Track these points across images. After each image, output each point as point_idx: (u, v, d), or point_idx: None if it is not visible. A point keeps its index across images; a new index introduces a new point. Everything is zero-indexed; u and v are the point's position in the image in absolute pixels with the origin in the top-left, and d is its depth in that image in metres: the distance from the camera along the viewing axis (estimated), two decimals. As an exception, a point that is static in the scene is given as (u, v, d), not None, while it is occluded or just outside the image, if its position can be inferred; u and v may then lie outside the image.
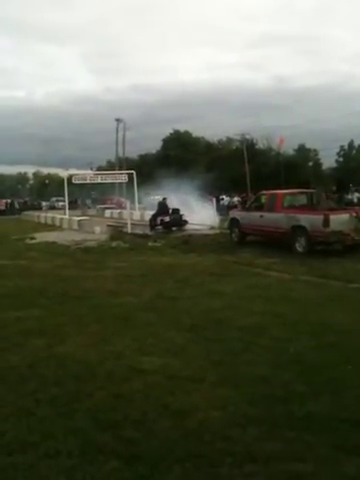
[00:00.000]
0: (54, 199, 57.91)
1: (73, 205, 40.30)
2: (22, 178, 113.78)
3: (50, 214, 31.92)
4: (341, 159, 63.39)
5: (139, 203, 31.31)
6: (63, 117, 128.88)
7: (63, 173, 34.43)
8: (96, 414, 3.62)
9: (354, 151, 63.50)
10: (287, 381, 4.11)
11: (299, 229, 12.60)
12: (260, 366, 4.48)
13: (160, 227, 20.69)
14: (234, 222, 15.84)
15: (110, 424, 3.46)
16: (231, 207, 28.19)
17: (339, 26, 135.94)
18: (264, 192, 16.24)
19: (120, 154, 54.73)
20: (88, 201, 50.51)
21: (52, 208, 50.24)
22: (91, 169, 57.36)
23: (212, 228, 19.81)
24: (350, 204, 27.08)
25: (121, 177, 31.37)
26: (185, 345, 5.16)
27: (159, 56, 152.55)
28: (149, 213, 23.39)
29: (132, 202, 28.28)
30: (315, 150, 65.41)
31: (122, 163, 51.59)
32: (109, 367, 4.57)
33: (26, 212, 40.48)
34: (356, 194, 34.55)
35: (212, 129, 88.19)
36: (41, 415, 3.62)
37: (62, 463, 2.99)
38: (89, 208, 45.23)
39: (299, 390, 3.94)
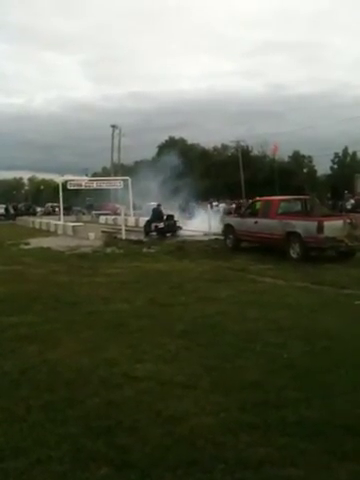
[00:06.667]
0: (49, 205, 57.91)
1: (67, 211, 40.27)
2: (17, 183, 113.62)
3: (45, 220, 31.89)
4: (336, 166, 63.76)
5: (134, 209, 31.34)
6: (61, 124, 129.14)
7: (58, 179, 34.38)
8: (88, 421, 3.60)
9: (348, 158, 63.90)
10: (280, 387, 4.11)
11: (293, 235, 12.64)
12: (253, 372, 4.48)
13: (154, 233, 20.71)
14: (229, 228, 15.87)
15: (102, 431, 3.44)
16: (228, 213, 28.23)
17: (334, 35, 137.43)
18: (258, 198, 16.30)
19: (116, 160, 54.80)
20: (76, 208, 50.19)
21: (47, 214, 50.24)
22: (86, 175, 57.39)
23: (206, 234, 19.82)
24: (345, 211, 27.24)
25: (116, 183, 31.38)
26: (178, 351, 5.15)
27: (158, 64, 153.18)
28: (144, 219, 23.43)
29: (127, 208, 28.30)
30: (310, 157, 65.83)
31: (118, 169, 51.64)
32: (102, 373, 4.55)
33: (21, 217, 40.44)
34: (351, 201, 34.68)
35: (208, 136, 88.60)
36: (33, 421, 3.60)
37: (54, 469, 2.98)
38: (83, 214, 45.20)
39: (292, 396, 3.94)
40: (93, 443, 3.27)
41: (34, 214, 49.27)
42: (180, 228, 21.15)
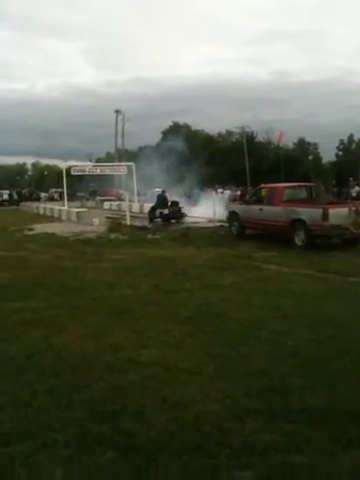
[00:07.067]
0: (53, 190, 57.91)
1: (71, 197, 40.20)
2: (21, 169, 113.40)
3: (49, 205, 31.90)
4: (341, 153, 63.36)
5: (138, 195, 31.24)
6: (64, 110, 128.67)
7: (62, 164, 34.28)
8: (94, 405, 3.62)
9: (354, 145, 63.45)
10: (285, 374, 4.12)
11: (298, 223, 12.59)
12: (258, 359, 4.48)
13: (159, 219, 20.69)
14: (233, 215, 15.83)
15: (108, 415, 3.46)
16: (233, 200, 28.12)
17: (339, 22, 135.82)
18: (263, 185, 16.23)
19: (120, 146, 54.58)
20: (80, 194, 50.04)
21: (51, 199, 50.30)
22: (90, 161, 57.23)
23: (211, 221, 19.79)
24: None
25: (120, 169, 31.24)
26: (183, 338, 5.16)
27: (161, 51, 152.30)
28: (148, 205, 23.39)
29: (131, 194, 28.23)
30: (315, 144, 65.39)
31: (122, 155, 51.43)
32: (107, 359, 4.57)
33: (24, 203, 40.49)
34: (356, 188, 34.50)
35: (211, 122, 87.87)
36: (38, 406, 3.62)
37: (60, 453, 3.00)
38: (87, 200, 45.15)
39: (297, 383, 3.94)
40: (98, 427, 3.29)
41: (38, 200, 49.32)
42: (185, 215, 21.12)
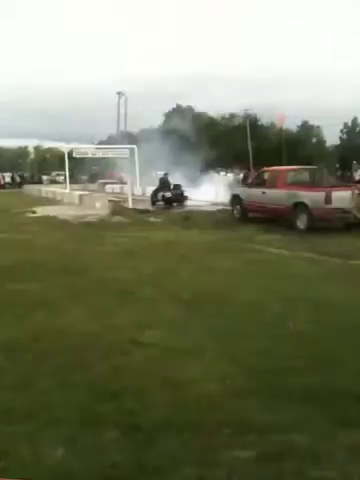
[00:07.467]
0: (55, 173, 57.75)
1: (74, 180, 40.04)
2: (23, 152, 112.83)
3: (51, 188, 31.85)
4: (345, 136, 62.80)
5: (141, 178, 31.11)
6: (66, 91, 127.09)
7: (64, 147, 34.08)
8: (96, 385, 3.65)
9: (358, 128, 62.86)
10: (285, 355, 4.14)
11: (301, 206, 12.55)
12: (259, 340, 4.50)
13: (161, 203, 20.64)
14: (236, 199, 15.77)
15: (110, 395, 3.49)
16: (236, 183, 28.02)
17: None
18: (266, 168, 16.15)
19: (122, 128, 54.21)
20: (84, 177, 49.79)
21: (52, 182, 50.20)
22: (92, 143, 56.83)
23: (213, 204, 19.74)
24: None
25: (122, 152, 31.00)
26: (185, 319, 5.19)
27: (164, 32, 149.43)
28: (150, 188, 23.33)
29: (134, 177, 28.13)
30: (318, 127, 64.77)
31: (124, 137, 51.06)
32: (109, 340, 4.60)
33: (27, 186, 40.48)
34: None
35: (214, 104, 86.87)
36: (41, 386, 3.65)
37: (63, 432, 3.02)
38: (90, 183, 44.99)
39: (298, 364, 3.96)
40: (100, 407, 3.32)
41: (40, 182, 49.25)
42: (187, 198, 21.07)
